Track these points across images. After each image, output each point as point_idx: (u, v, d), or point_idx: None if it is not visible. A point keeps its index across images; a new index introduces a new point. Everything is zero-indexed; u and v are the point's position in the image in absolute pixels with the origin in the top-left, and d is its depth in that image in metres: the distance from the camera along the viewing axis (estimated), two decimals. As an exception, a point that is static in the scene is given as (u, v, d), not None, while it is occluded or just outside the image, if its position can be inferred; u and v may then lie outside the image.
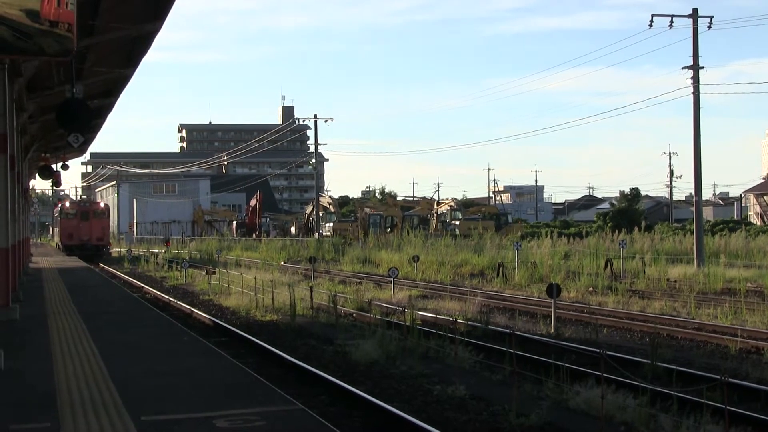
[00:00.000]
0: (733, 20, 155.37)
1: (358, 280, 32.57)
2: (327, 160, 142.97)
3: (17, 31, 10.28)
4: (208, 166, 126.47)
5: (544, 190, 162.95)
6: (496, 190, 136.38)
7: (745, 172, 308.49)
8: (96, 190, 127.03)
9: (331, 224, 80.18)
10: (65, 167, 40.09)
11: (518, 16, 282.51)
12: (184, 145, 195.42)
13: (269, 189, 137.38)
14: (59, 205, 70.22)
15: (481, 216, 75.71)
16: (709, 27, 39.38)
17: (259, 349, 16.12)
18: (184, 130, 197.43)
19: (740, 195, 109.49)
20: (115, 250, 68.11)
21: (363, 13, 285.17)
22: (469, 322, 18.30)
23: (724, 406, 9.45)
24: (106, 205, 65.05)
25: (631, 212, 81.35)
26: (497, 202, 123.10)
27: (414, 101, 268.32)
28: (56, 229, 76.27)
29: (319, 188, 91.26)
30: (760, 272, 32.05)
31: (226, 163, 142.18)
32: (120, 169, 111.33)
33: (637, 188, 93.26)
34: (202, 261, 50.23)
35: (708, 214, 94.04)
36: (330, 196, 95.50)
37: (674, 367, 12.82)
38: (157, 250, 63.17)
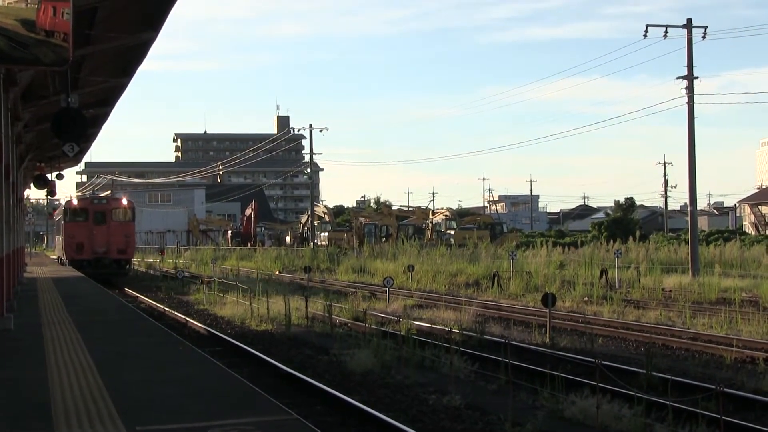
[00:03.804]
0: (727, 30, 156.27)
1: (354, 290, 32.54)
2: (322, 169, 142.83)
3: (13, 40, 10.29)
4: (204, 175, 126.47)
5: (539, 200, 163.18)
6: (491, 199, 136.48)
7: (740, 182, 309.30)
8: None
9: (327, 234, 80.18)
10: (60, 177, 40.06)
11: (513, 26, 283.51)
12: (180, 154, 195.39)
13: (264, 198, 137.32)
14: (63, 205, 50.07)
15: (476, 225, 75.83)
16: (704, 37, 39.56)
17: (254, 358, 16.09)
18: (179, 140, 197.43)
19: (735, 205, 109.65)
20: None
21: (358, 22, 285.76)
22: (465, 332, 18.30)
23: (719, 416, 9.46)
24: (131, 203, 44.80)
25: (626, 222, 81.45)
26: (492, 212, 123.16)
27: (409, 110, 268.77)
28: (58, 238, 54.92)
29: (314, 198, 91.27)
30: (755, 282, 32.09)
31: (221, 172, 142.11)
32: (115, 178, 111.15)
33: (632, 198, 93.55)
34: (197, 270, 50.17)
35: (703, 223, 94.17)
36: (325, 206, 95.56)
37: (669, 376, 12.82)
38: (151, 260, 63.09)
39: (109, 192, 77.58)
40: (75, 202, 44.72)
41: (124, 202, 44.07)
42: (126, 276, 42.31)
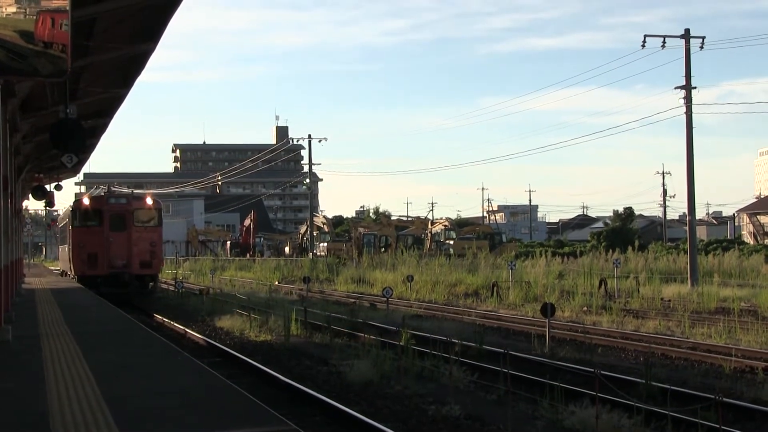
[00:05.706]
0: (725, 41, 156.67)
1: (353, 300, 32.50)
2: (321, 179, 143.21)
3: (11, 51, 10.30)
4: (203, 186, 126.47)
5: (538, 210, 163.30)
6: (490, 209, 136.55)
7: (739, 191, 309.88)
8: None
9: (326, 244, 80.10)
10: (59, 187, 40.13)
11: (512, 36, 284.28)
12: (178, 165, 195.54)
13: (263, 209, 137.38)
14: (71, 206, 36.84)
15: (476, 235, 75.79)
16: (701, 47, 39.71)
17: (253, 369, 16.06)
18: (178, 150, 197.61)
19: (733, 214, 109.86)
20: None
21: (358, 32, 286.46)
22: (464, 342, 18.26)
23: (718, 426, 9.44)
24: (157, 202, 35.62)
25: (624, 231, 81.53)
26: (491, 222, 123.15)
27: (408, 121, 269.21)
28: (63, 248, 43.66)
29: (313, 208, 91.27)
30: (753, 291, 32.09)
31: (220, 183, 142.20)
32: (114, 189, 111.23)
33: (630, 207, 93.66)
34: (196, 281, 50.10)
35: (701, 233, 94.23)
36: (324, 216, 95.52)
37: (669, 386, 12.81)
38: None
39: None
40: (86, 201, 35.01)
41: (149, 201, 34.76)
42: (150, 296, 34.23)
